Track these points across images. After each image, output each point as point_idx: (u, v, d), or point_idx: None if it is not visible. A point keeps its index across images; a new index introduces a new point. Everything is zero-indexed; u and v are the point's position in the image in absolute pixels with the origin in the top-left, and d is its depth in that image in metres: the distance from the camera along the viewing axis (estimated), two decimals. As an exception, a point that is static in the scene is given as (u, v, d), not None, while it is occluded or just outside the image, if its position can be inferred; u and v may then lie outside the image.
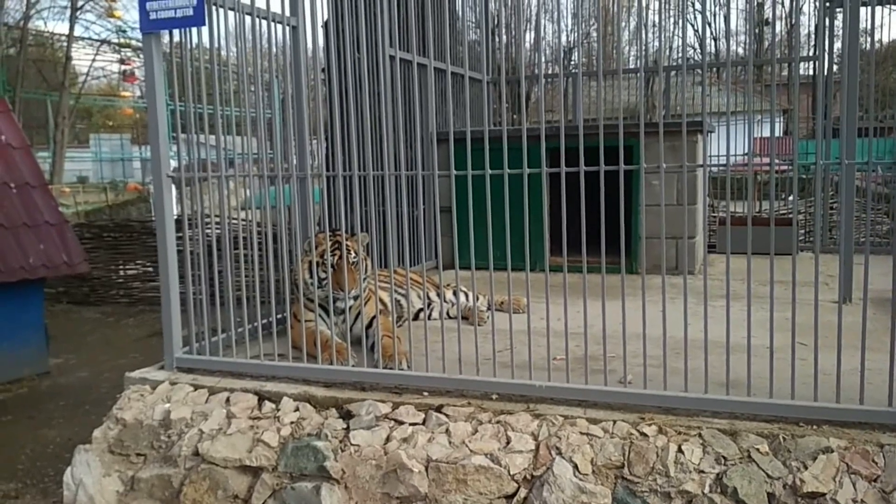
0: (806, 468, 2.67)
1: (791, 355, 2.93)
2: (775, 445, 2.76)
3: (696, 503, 2.71)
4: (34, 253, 6.78)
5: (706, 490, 2.71)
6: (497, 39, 8.66)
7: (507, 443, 2.98)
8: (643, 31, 7.71)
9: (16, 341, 6.72)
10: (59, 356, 7.46)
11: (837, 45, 7.18)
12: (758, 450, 2.75)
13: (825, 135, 6.85)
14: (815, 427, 2.82)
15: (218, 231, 3.84)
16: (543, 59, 10.39)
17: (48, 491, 4.35)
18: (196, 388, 3.63)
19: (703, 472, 2.74)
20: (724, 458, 2.76)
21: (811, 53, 7.73)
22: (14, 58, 24.80)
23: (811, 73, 7.50)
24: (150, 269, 10.16)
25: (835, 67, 7.14)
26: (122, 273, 10.39)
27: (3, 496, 4.33)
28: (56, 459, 4.76)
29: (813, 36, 8.80)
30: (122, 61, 27.51)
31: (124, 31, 26.61)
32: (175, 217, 3.94)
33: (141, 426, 3.47)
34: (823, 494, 2.61)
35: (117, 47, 27.37)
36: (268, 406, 3.44)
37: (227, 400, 3.50)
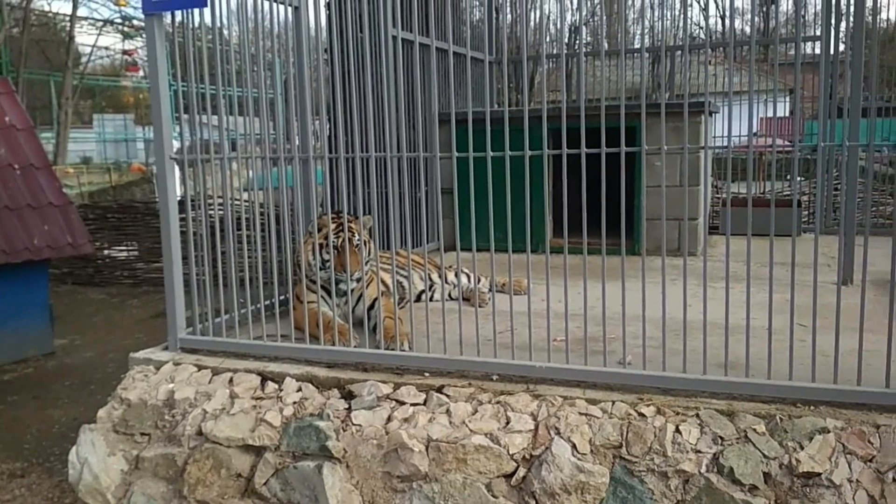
0: (802, 448, 2.70)
1: (790, 337, 2.94)
2: (772, 426, 2.79)
3: (693, 482, 2.74)
4: (38, 234, 6.81)
5: (703, 469, 2.74)
6: (500, 18, 8.61)
7: (507, 423, 3.01)
8: (647, 10, 7.65)
9: (21, 322, 6.77)
10: (65, 337, 7.51)
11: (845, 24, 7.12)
12: (755, 430, 2.77)
13: (828, 116, 6.84)
14: (812, 408, 2.84)
15: (221, 212, 3.85)
16: (548, 39, 10.32)
17: (54, 470, 4.40)
18: (199, 368, 3.67)
19: (700, 451, 2.77)
20: (722, 438, 2.78)
21: (818, 33, 7.67)
22: (17, 38, 24.71)
23: (819, 52, 7.44)
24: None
25: (841, 47, 7.08)
26: (124, 254, 10.43)
27: (9, 475, 4.38)
28: (62, 439, 4.81)
29: (820, 15, 8.70)
30: (124, 52, 27.44)
31: (129, 19, 26.50)
32: (178, 198, 3.95)
33: (145, 406, 3.51)
34: (819, 474, 2.64)
35: (120, 28, 27.28)
36: (270, 386, 3.47)
37: (231, 380, 3.54)
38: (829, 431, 2.72)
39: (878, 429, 2.71)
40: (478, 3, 8.30)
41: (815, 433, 2.72)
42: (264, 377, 3.53)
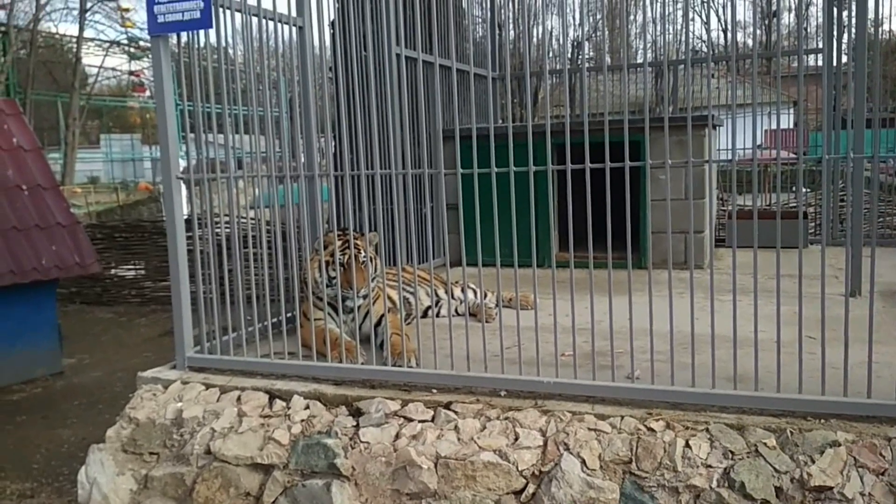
0: (813, 462, 2.68)
1: (798, 349, 2.93)
2: (783, 439, 2.77)
3: (704, 497, 2.72)
4: (46, 254, 6.84)
5: (714, 484, 2.72)
6: (503, 35, 8.65)
7: (516, 439, 3.00)
8: (649, 25, 7.68)
9: (29, 342, 6.79)
10: (73, 356, 7.53)
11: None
12: (765, 444, 2.76)
13: (832, 127, 6.84)
14: (822, 421, 2.82)
15: (227, 230, 3.87)
16: (550, 55, 10.37)
17: (63, 490, 4.40)
18: (207, 387, 3.67)
19: (710, 466, 2.75)
20: (732, 452, 2.76)
21: (821, 45, 7.69)
22: (24, 60, 24.94)
23: (821, 64, 7.46)
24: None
25: (844, 58, 7.09)
26: (131, 273, 10.47)
27: (18, 495, 4.39)
28: (70, 458, 4.81)
29: (822, 28, 8.73)
30: (131, 72, 27.69)
31: (136, 41, 26.73)
32: (185, 217, 3.97)
33: (154, 425, 3.51)
34: (831, 488, 2.62)
35: (127, 48, 27.53)
36: (278, 404, 3.47)
37: (239, 398, 3.54)
38: (840, 445, 2.70)
39: (890, 441, 2.69)
40: (481, 20, 8.36)
41: (826, 447, 2.70)
42: (272, 395, 3.53)
